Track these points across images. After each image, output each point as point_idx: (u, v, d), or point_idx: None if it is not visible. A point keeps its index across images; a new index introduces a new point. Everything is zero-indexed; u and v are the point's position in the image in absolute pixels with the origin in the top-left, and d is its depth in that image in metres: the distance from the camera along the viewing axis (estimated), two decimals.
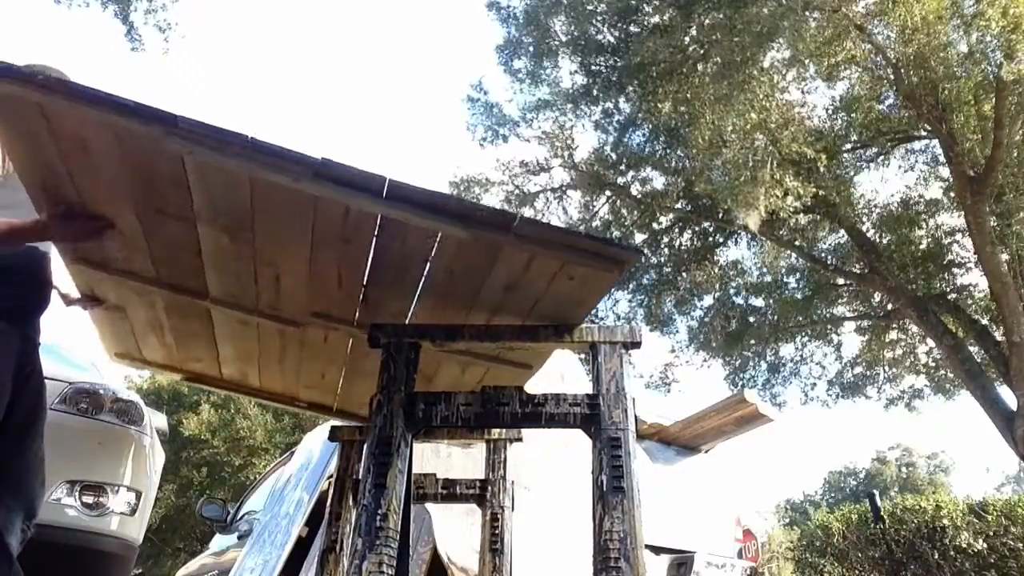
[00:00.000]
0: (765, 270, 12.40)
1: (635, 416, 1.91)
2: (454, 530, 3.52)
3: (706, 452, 5.28)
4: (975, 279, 11.00)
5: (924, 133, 10.22)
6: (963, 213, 9.59)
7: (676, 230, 12.50)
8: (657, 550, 4.33)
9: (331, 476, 3.52)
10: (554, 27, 10.96)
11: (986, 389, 9.35)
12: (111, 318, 2.59)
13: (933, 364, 12.31)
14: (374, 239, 1.86)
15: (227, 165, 1.61)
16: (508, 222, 1.74)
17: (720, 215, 10.56)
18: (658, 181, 11.92)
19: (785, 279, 12.37)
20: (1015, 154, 9.06)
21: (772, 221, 9.64)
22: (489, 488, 2.95)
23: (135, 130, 1.55)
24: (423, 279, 2.02)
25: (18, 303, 2.08)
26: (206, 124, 1.55)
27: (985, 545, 6.18)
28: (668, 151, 11.21)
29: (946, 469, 36.37)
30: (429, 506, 3.50)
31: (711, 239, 12.48)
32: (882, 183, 37.94)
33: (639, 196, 11.92)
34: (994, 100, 8.53)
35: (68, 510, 2.69)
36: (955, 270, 11.18)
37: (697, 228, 12.39)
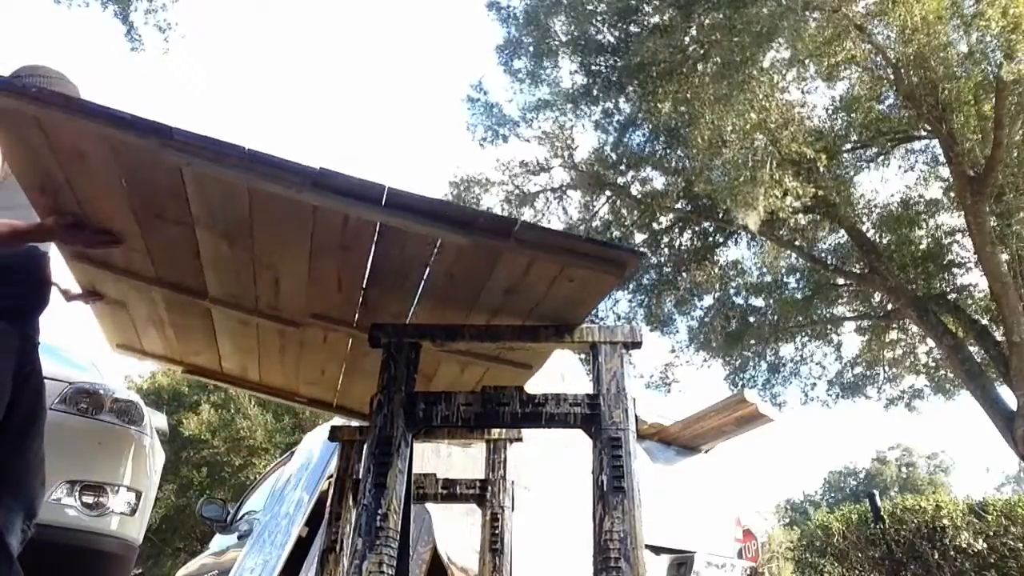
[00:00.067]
0: (765, 270, 12.41)
1: (635, 416, 1.91)
2: (454, 530, 3.52)
3: (706, 452, 5.28)
4: (975, 279, 11.01)
5: (924, 133, 10.23)
6: (963, 213, 9.59)
7: (676, 230, 12.50)
8: (657, 550, 4.33)
9: (331, 476, 3.52)
10: (554, 27, 10.97)
11: (986, 389, 9.35)
12: (112, 311, 2.61)
13: (933, 364, 12.31)
14: (373, 246, 1.86)
15: (225, 176, 1.61)
16: (508, 228, 1.74)
17: (720, 215, 10.57)
18: (658, 181, 11.94)
19: (785, 279, 12.38)
20: (1015, 154, 9.07)
21: (772, 221, 9.64)
22: (489, 488, 2.95)
23: (131, 142, 1.56)
24: (423, 282, 2.02)
25: (18, 303, 2.08)
26: (202, 136, 1.55)
27: (985, 545, 6.18)
28: (668, 151, 11.22)
29: (946, 469, 36.39)
30: (429, 506, 3.50)
31: (711, 239, 12.48)
32: (882, 183, 37.92)
33: (639, 196, 11.93)
34: (994, 100, 8.53)
35: (68, 510, 2.69)
36: (955, 270, 11.18)
37: (697, 228, 12.39)
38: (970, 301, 11.02)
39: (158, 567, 15.60)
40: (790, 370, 12.86)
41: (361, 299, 2.17)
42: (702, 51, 9.73)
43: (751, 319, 12.29)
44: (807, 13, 8.28)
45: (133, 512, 2.95)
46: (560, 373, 4.19)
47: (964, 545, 6.21)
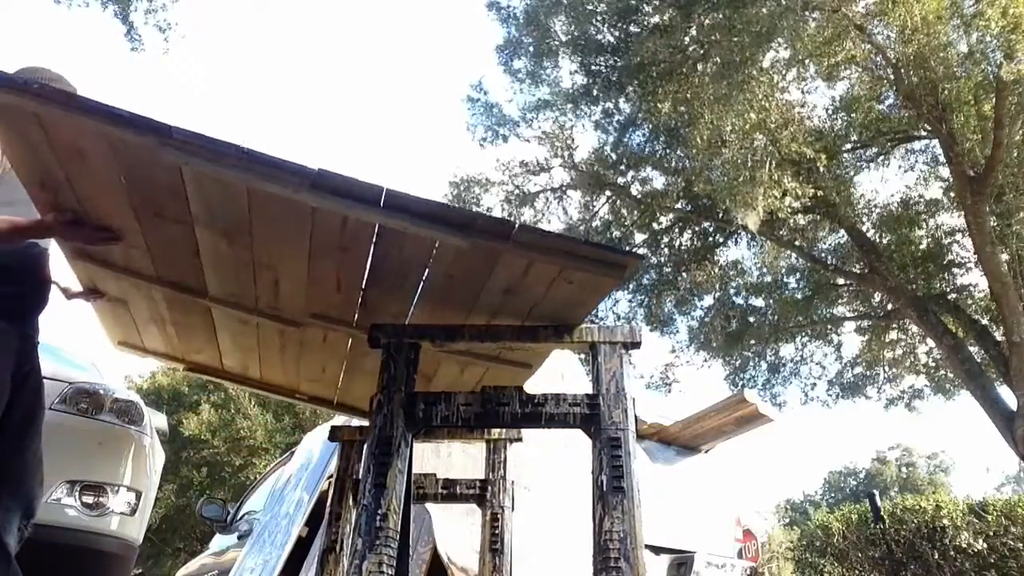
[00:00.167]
0: (765, 270, 12.41)
1: (635, 416, 1.91)
2: (454, 530, 3.52)
3: (706, 452, 5.28)
4: (975, 279, 11.01)
5: (924, 133, 10.22)
6: (963, 213, 9.59)
7: (676, 230, 12.50)
8: (657, 550, 4.33)
9: (331, 476, 3.53)
10: (554, 27, 10.97)
11: (986, 389, 9.35)
12: (113, 309, 2.61)
13: (933, 364, 12.31)
14: (372, 247, 1.86)
15: (223, 176, 1.61)
16: (507, 230, 1.74)
17: (720, 215, 10.56)
18: (658, 181, 11.94)
19: (785, 279, 12.38)
20: (1015, 154, 9.06)
21: (772, 221, 9.64)
22: (489, 488, 2.95)
23: (130, 140, 1.56)
24: (422, 283, 2.02)
25: (17, 302, 2.08)
26: (201, 135, 1.55)
27: (985, 545, 6.18)
28: (668, 151, 11.22)
29: (946, 469, 36.40)
30: (429, 506, 3.50)
31: (711, 239, 12.48)
32: (882, 183, 37.95)
33: (639, 196, 11.93)
34: (994, 100, 8.53)
35: (68, 510, 2.69)
36: (955, 270, 11.18)
37: (697, 228, 12.39)
38: (970, 301, 11.02)
39: (158, 567, 15.59)
40: (790, 370, 12.87)
41: (360, 299, 2.17)
42: (702, 51, 9.73)
43: (751, 319, 12.29)
44: (807, 13, 8.29)
45: (133, 512, 2.95)
46: (560, 373, 4.19)
47: (964, 545, 6.21)
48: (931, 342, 11.01)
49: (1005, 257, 9.32)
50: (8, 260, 2.04)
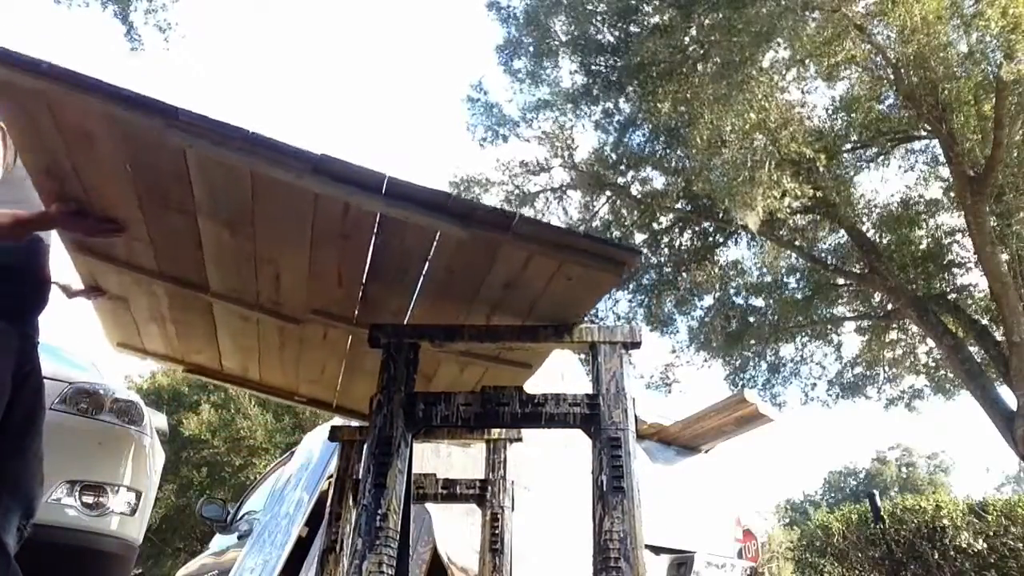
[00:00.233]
0: (765, 270, 12.41)
1: (635, 416, 1.91)
2: (454, 530, 3.52)
3: (706, 452, 5.28)
4: (975, 279, 11.01)
5: (924, 133, 10.22)
6: (963, 213, 9.58)
7: (676, 230, 12.50)
8: (657, 550, 4.33)
9: (331, 476, 3.52)
10: (554, 27, 10.96)
11: (986, 389, 9.35)
12: (113, 308, 2.61)
13: (933, 364, 12.31)
14: (373, 237, 1.86)
15: (228, 160, 1.62)
16: (507, 221, 1.74)
17: (720, 215, 10.56)
18: (658, 181, 11.93)
19: (785, 279, 12.37)
20: (1015, 154, 9.06)
21: (772, 221, 9.64)
22: (489, 488, 2.95)
23: (137, 122, 1.56)
24: (422, 277, 2.03)
25: (17, 302, 2.08)
26: (207, 117, 1.56)
27: (985, 545, 6.18)
28: (668, 151, 11.21)
29: (946, 469, 36.39)
30: (429, 506, 3.51)
31: (711, 239, 12.47)
32: (882, 183, 37.95)
33: (639, 196, 11.92)
34: (994, 100, 8.53)
35: (68, 510, 2.69)
36: (955, 270, 11.17)
37: (697, 228, 12.38)
38: (970, 301, 11.02)
39: (158, 567, 15.59)
40: (790, 370, 12.86)
41: (361, 294, 2.17)
42: (702, 51, 9.73)
43: (751, 319, 12.28)
44: (807, 13, 8.28)
45: (133, 512, 2.95)
46: (560, 373, 4.19)
47: (964, 545, 6.21)
48: (931, 342, 11.00)
49: (1005, 257, 9.32)
50: (8, 260, 2.04)
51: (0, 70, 1.48)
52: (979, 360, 9.87)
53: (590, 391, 1.94)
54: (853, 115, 10.34)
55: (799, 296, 12.05)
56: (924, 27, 8.03)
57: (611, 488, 1.74)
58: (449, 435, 3.23)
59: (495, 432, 3.04)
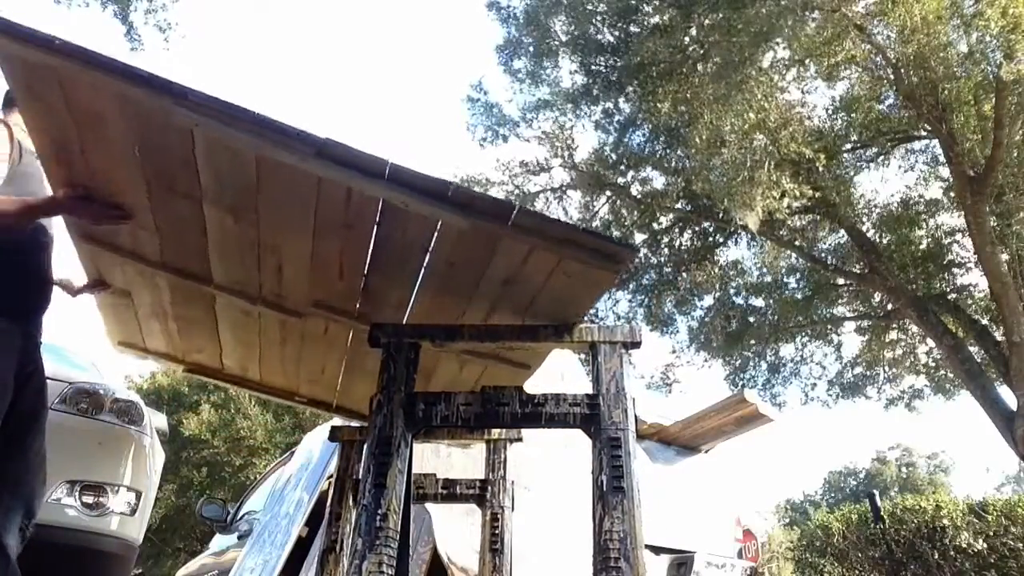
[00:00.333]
0: (765, 270, 12.40)
1: (635, 416, 1.91)
2: (454, 530, 3.52)
3: (706, 452, 5.28)
4: (975, 279, 11.00)
5: (924, 133, 10.22)
6: (963, 213, 9.58)
7: (676, 230, 12.50)
8: (657, 550, 4.33)
9: (331, 476, 3.53)
10: (554, 27, 10.96)
11: (986, 389, 9.34)
12: (116, 305, 2.61)
13: (933, 364, 12.31)
14: (375, 226, 1.87)
15: (234, 141, 1.63)
16: (507, 212, 1.75)
17: (720, 215, 10.56)
18: (658, 181, 11.93)
19: (785, 279, 12.37)
20: (1015, 154, 9.06)
21: (772, 221, 9.63)
22: (489, 488, 2.95)
23: (147, 102, 1.57)
24: (423, 270, 2.03)
25: (21, 301, 2.09)
26: (215, 97, 1.57)
27: (985, 545, 6.18)
28: (668, 151, 11.21)
29: (946, 469, 36.39)
30: (429, 506, 3.51)
31: (711, 239, 12.47)
32: (882, 183, 38.05)
33: (639, 196, 11.92)
34: (994, 100, 8.52)
35: (68, 510, 2.70)
36: (955, 270, 11.17)
37: (697, 228, 12.38)
38: (970, 301, 11.01)
39: (158, 567, 15.59)
40: (790, 370, 12.86)
41: (362, 286, 2.17)
42: (702, 51, 9.72)
43: (751, 319, 12.28)
44: (806, 13, 8.28)
45: (133, 512, 2.95)
46: (560, 373, 4.19)
47: (964, 545, 6.21)
48: (931, 342, 11.00)
49: (1005, 257, 9.31)
50: (11, 260, 2.04)
51: (13, 46, 1.49)
52: (979, 360, 9.87)
53: (590, 391, 1.95)
54: (853, 115, 10.33)
55: (799, 296, 12.05)
56: (924, 27, 8.03)
57: (611, 488, 1.74)
58: (449, 435, 3.24)
59: (495, 432, 3.04)
